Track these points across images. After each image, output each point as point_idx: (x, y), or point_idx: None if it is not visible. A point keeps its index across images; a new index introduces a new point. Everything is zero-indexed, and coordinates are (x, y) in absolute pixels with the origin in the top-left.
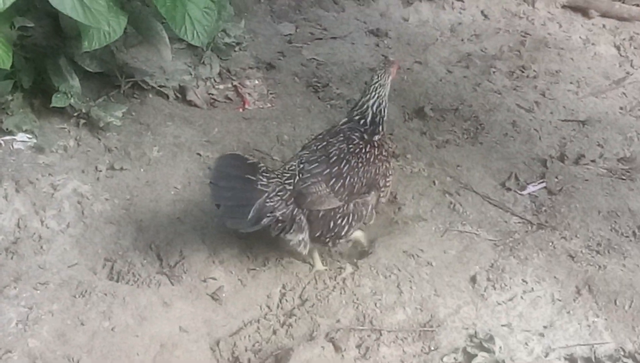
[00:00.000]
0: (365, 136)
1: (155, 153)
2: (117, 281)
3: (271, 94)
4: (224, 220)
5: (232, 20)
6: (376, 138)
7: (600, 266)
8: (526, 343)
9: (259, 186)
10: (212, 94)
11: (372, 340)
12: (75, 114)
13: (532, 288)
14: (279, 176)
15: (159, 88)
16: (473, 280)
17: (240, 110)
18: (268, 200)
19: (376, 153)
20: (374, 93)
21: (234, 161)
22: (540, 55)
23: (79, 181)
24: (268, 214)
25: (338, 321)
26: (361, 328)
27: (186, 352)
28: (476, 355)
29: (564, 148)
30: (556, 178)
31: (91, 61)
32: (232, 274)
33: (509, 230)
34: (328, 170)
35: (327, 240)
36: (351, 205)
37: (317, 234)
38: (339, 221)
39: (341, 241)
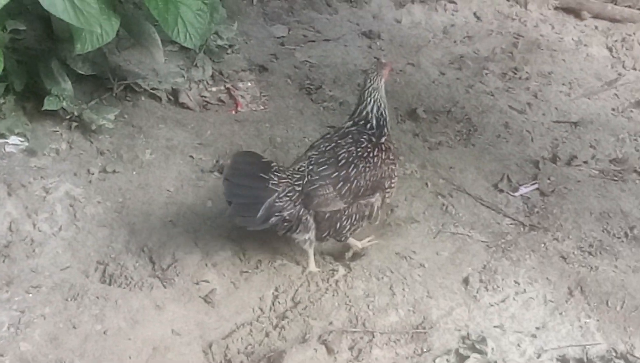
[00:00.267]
0: (373, 139)
1: (148, 156)
2: (110, 284)
3: (264, 96)
4: (234, 217)
5: (225, 22)
6: (383, 139)
7: (592, 268)
8: (518, 345)
9: (270, 185)
10: (205, 97)
11: (364, 342)
12: (68, 117)
13: (525, 290)
14: (289, 176)
15: (151, 91)
16: (465, 281)
17: (233, 112)
18: (278, 200)
19: (383, 156)
20: (369, 98)
21: (249, 158)
22: (533, 57)
23: (71, 184)
24: (276, 214)
25: (331, 323)
26: (354, 330)
27: (179, 354)
28: (469, 357)
29: (556, 149)
30: (548, 179)
31: (83, 63)
32: (224, 277)
33: (501, 232)
34: (336, 173)
35: (332, 239)
36: (355, 206)
37: (324, 234)
38: (344, 221)
39: (345, 239)
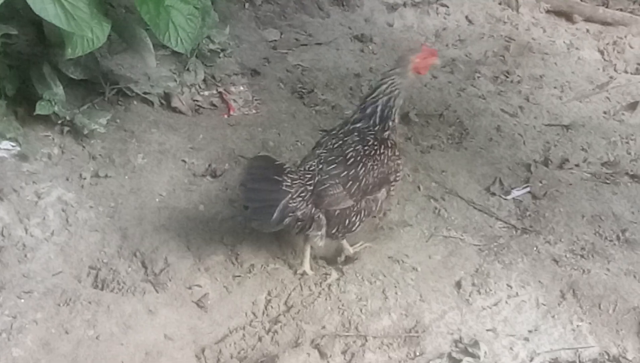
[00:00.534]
0: (379, 136)
1: (140, 160)
2: (102, 289)
3: (256, 100)
4: (249, 221)
5: (217, 26)
6: (387, 134)
7: (584, 271)
8: (511, 348)
9: (284, 187)
10: (197, 101)
11: (357, 346)
12: (60, 121)
13: (517, 293)
14: (301, 177)
15: (143, 95)
16: (458, 285)
17: (225, 116)
18: (291, 201)
19: (389, 153)
20: (388, 80)
21: (263, 162)
22: (524, 60)
23: (63, 188)
24: (290, 214)
25: (323, 327)
26: (346, 334)
27: (171, 359)
28: (461, 360)
29: (548, 152)
30: (540, 182)
31: (75, 68)
32: (217, 281)
33: (493, 235)
34: (345, 172)
35: (340, 235)
36: (363, 202)
37: (333, 231)
38: (353, 217)
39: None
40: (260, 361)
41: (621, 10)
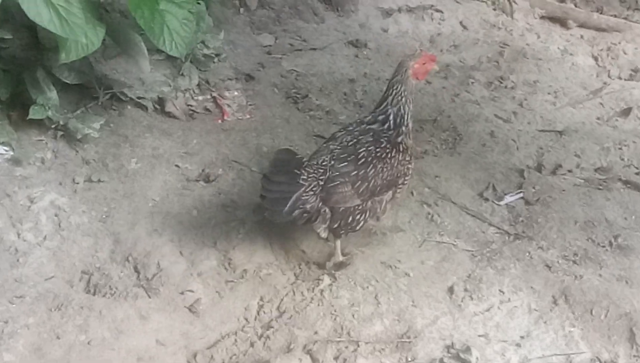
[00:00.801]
0: (392, 139)
1: (134, 165)
2: (94, 294)
3: (250, 105)
4: (263, 211)
5: (211, 31)
6: (401, 138)
7: (576, 276)
8: (503, 354)
9: (300, 181)
10: (191, 106)
11: (349, 351)
12: (53, 126)
13: (509, 299)
14: (315, 171)
15: (137, 100)
16: (450, 290)
17: (219, 121)
18: (304, 194)
19: (400, 157)
20: (392, 91)
21: (286, 155)
22: (519, 65)
23: (56, 193)
24: (300, 207)
25: (316, 333)
26: (339, 339)
27: None
28: None
29: (542, 158)
30: (533, 188)
31: (69, 72)
32: (209, 286)
33: (486, 240)
34: (355, 172)
35: (342, 231)
36: (369, 203)
37: (335, 226)
38: (357, 216)
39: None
40: None
41: (615, 16)
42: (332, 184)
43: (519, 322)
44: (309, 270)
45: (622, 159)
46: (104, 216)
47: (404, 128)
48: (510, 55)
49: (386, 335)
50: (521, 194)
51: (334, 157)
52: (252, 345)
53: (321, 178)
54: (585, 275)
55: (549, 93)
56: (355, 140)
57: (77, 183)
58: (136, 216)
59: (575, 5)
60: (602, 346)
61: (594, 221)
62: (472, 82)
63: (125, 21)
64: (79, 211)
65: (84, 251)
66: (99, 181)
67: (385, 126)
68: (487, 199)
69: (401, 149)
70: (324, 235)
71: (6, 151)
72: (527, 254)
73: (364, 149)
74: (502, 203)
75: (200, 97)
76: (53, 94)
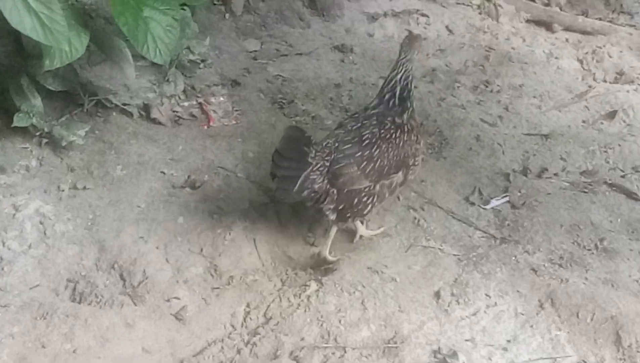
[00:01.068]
0: (397, 120)
1: (119, 172)
2: (80, 302)
3: (236, 111)
4: (275, 189)
5: (197, 37)
6: (405, 117)
7: (562, 280)
8: (489, 358)
9: (309, 159)
10: (177, 112)
11: (336, 357)
12: (38, 133)
13: (496, 303)
14: (321, 151)
15: (122, 106)
16: (437, 295)
17: (205, 127)
18: (312, 173)
19: (405, 137)
20: (401, 68)
21: (296, 133)
22: (504, 69)
23: (41, 201)
24: (308, 187)
25: (302, 339)
26: (325, 345)
27: None
28: None
29: (527, 161)
30: (519, 192)
31: (54, 79)
32: (196, 293)
33: (472, 245)
34: (360, 153)
35: (349, 215)
36: (377, 186)
37: (341, 207)
38: (364, 199)
39: (361, 218)
40: None
41: (600, 19)
42: (337, 166)
43: (506, 326)
44: (295, 276)
45: (608, 162)
46: (89, 224)
47: (408, 104)
48: (496, 59)
49: (373, 341)
50: (507, 198)
51: (339, 140)
52: (238, 352)
53: (327, 158)
54: (571, 279)
55: (534, 97)
56: (359, 124)
57: (62, 191)
58: (122, 223)
59: (561, 9)
60: (588, 349)
61: (579, 224)
62: (458, 87)
63: (110, 27)
64: (64, 218)
65: (70, 259)
66: (84, 188)
67: (390, 105)
68: (473, 204)
69: (406, 129)
70: (332, 217)
71: None
72: (513, 258)
73: (368, 131)
74: (488, 207)
75: (186, 103)
76: (37, 101)
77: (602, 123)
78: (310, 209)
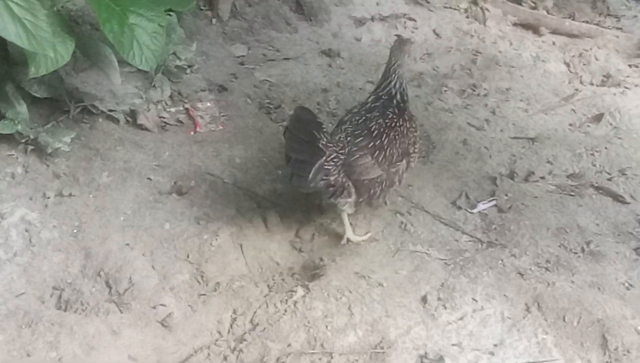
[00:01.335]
0: (397, 111)
1: (105, 178)
2: (65, 310)
3: (223, 116)
4: (290, 176)
5: (183, 42)
6: (404, 108)
7: (549, 283)
8: (476, 362)
9: (320, 145)
10: (163, 118)
11: None
12: (23, 140)
13: (482, 307)
14: (334, 144)
15: (108, 112)
16: (424, 299)
17: (192, 133)
18: (326, 163)
19: (408, 125)
20: (393, 75)
21: (306, 114)
22: (491, 73)
23: (26, 208)
24: (324, 178)
25: (289, 345)
26: (312, 351)
27: None
28: None
29: (514, 165)
30: (506, 195)
31: (39, 86)
32: (182, 300)
33: (459, 249)
34: (372, 143)
35: (366, 204)
36: (388, 173)
37: (361, 199)
38: (377, 187)
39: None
40: None
41: (587, 22)
42: (353, 158)
43: (492, 330)
44: (282, 282)
45: (594, 165)
46: (75, 231)
47: (406, 97)
48: (483, 63)
49: (360, 346)
50: (494, 202)
51: (349, 134)
52: (225, 358)
53: (341, 151)
54: (558, 282)
55: (521, 100)
56: (364, 118)
57: (48, 198)
58: (107, 230)
59: (548, 12)
60: (574, 353)
61: (566, 227)
62: (445, 91)
63: (96, 34)
64: (49, 226)
65: (55, 267)
66: (70, 195)
67: (394, 102)
68: (460, 208)
69: (407, 118)
70: (350, 210)
71: None
72: (500, 262)
73: (374, 123)
74: (475, 211)
75: (172, 109)
76: (23, 108)
77: (588, 126)
78: (324, 201)
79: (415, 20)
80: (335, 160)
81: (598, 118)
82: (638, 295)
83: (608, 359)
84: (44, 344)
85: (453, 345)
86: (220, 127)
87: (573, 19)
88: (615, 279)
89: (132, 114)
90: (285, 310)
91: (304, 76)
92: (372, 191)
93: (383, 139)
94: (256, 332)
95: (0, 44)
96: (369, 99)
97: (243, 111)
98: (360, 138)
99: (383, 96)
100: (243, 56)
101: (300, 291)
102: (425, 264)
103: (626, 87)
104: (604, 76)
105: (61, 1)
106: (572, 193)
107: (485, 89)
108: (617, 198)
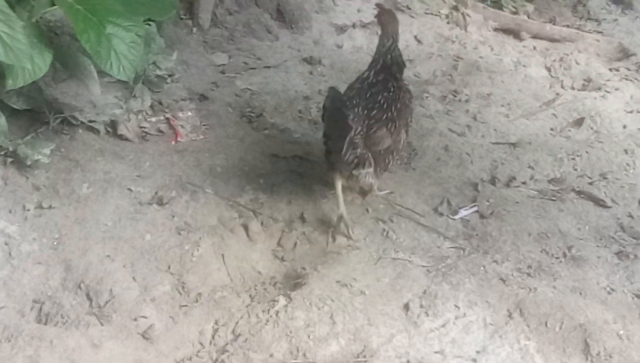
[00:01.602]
0: (397, 83)
1: (85, 190)
2: (45, 323)
3: (204, 125)
4: (328, 153)
5: (163, 52)
6: (401, 78)
7: (531, 289)
8: None
9: (349, 121)
10: (144, 128)
11: None
12: (2, 153)
13: (465, 313)
14: (357, 117)
15: (88, 123)
16: (406, 307)
17: (173, 143)
18: (354, 137)
19: (407, 96)
20: (392, 47)
21: (337, 93)
22: (472, 79)
23: (6, 221)
24: (352, 151)
25: (271, 355)
26: (294, 361)
27: None
28: None
29: (495, 170)
30: (487, 201)
31: (18, 98)
32: (163, 311)
33: (441, 256)
34: (385, 115)
35: (381, 173)
36: (395, 143)
37: (379, 169)
38: (390, 156)
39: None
40: None
41: (568, 26)
42: (372, 130)
43: (475, 336)
44: (264, 291)
45: (576, 170)
46: (55, 243)
47: (403, 67)
48: (464, 68)
49: (342, 355)
50: (475, 208)
51: (363, 107)
52: None
53: (364, 124)
54: (540, 288)
55: (502, 105)
56: (370, 93)
57: (28, 210)
58: (88, 242)
59: (528, 17)
60: (557, 358)
61: (547, 232)
62: (427, 97)
63: (75, 44)
64: (29, 238)
65: (35, 280)
66: (50, 207)
67: (391, 71)
68: (442, 214)
69: (405, 90)
70: (370, 180)
71: None
72: (482, 268)
73: (382, 97)
74: (456, 217)
75: (153, 119)
76: (2, 120)
77: (569, 131)
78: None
79: None
80: (360, 133)
81: (579, 122)
82: (619, 299)
83: None
84: (23, 358)
85: (436, 352)
86: (202, 137)
87: (554, 24)
88: (597, 283)
89: (113, 125)
90: (267, 320)
91: (285, 83)
92: (387, 160)
93: (392, 110)
94: (238, 342)
95: None
96: (370, 74)
97: (224, 120)
98: (375, 111)
99: (387, 64)
100: (224, 64)
101: (282, 300)
102: (408, 271)
103: (607, 91)
104: (584, 80)
105: (39, 12)
106: (554, 198)
107: (466, 94)
108: (598, 202)
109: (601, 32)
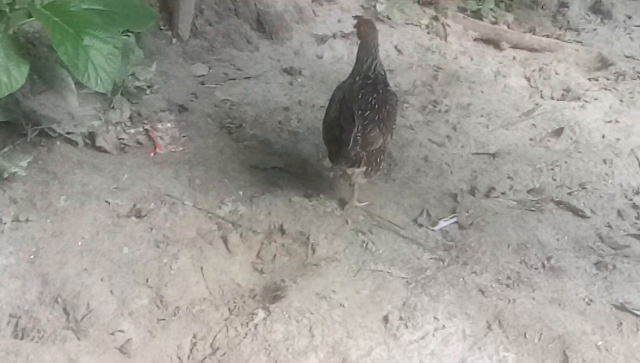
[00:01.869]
0: (384, 86)
1: (62, 203)
2: (22, 338)
3: (183, 136)
4: (340, 146)
5: (142, 63)
6: (388, 84)
7: (510, 300)
8: None
9: (355, 118)
10: (123, 139)
11: None
12: None
13: (444, 325)
14: (360, 117)
15: (66, 135)
16: (385, 319)
17: (152, 154)
18: (357, 134)
19: (395, 99)
20: (375, 55)
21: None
22: (452, 89)
23: None
24: (354, 148)
25: None
26: None
27: None
28: None
29: (475, 181)
30: (467, 212)
31: None
32: (141, 325)
33: (421, 267)
34: (377, 116)
35: (373, 173)
36: (385, 143)
37: (369, 168)
38: (381, 156)
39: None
40: None
41: (547, 36)
42: (367, 130)
43: (454, 348)
44: (243, 304)
45: (555, 180)
46: (32, 257)
47: (385, 75)
48: (444, 78)
49: None
50: (455, 219)
51: (357, 108)
52: None
53: (362, 123)
54: (519, 299)
55: (482, 116)
56: (361, 94)
57: (4, 223)
58: (65, 255)
59: (508, 27)
60: None
61: (526, 243)
62: (407, 107)
63: (53, 56)
64: (6, 252)
65: (12, 294)
66: (27, 220)
67: (379, 78)
68: (421, 225)
69: (391, 92)
70: (362, 180)
71: None
72: (461, 279)
73: (372, 97)
74: (436, 228)
75: (132, 130)
76: None
77: (549, 141)
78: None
79: None
80: (360, 132)
81: (558, 132)
82: (598, 310)
83: None
84: None
85: None
86: (181, 148)
87: (534, 33)
88: (576, 294)
89: (91, 136)
90: (246, 334)
91: (265, 94)
92: (378, 160)
93: (383, 112)
94: (216, 356)
95: None
96: (356, 80)
97: (204, 131)
98: (368, 112)
99: (370, 75)
100: (204, 75)
101: (261, 313)
102: (387, 283)
103: (586, 101)
104: (564, 90)
105: (16, 24)
106: (533, 208)
107: (446, 105)
108: (577, 212)
109: (580, 42)
